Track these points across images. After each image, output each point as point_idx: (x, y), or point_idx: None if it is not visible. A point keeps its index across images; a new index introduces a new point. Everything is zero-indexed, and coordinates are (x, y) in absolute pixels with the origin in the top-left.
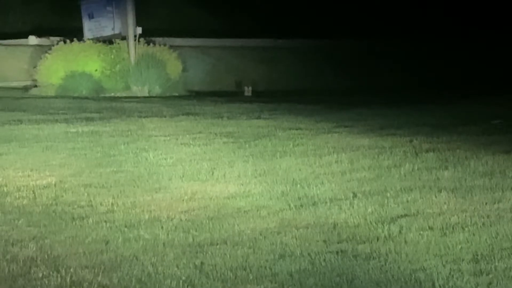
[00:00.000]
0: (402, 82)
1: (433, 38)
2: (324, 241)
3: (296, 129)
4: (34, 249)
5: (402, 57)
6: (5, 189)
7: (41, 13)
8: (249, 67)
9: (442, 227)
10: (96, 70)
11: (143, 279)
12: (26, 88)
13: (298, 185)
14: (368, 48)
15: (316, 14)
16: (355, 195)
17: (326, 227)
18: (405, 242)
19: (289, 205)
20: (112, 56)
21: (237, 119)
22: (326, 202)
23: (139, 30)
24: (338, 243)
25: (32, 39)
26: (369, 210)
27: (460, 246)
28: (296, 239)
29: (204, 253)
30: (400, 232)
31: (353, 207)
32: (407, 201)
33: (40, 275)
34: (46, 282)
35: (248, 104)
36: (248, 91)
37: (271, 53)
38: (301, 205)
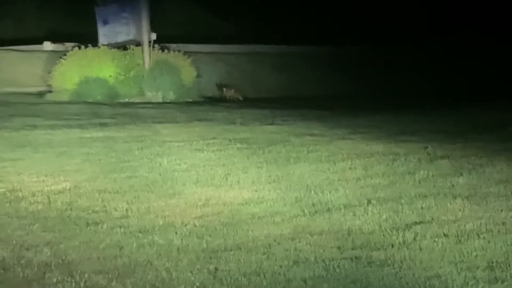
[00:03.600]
0: (415, 88)
1: (444, 44)
2: (338, 248)
3: (310, 135)
4: (49, 254)
5: (414, 63)
6: (20, 194)
7: (56, 19)
8: (262, 73)
9: (457, 234)
10: (110, 75)
11: (157, 284)
12: (40, 94)
13: (312, 191)
14: (381, 54)
15: (330, 20)
16: (369, 202)
17: (340, 233)
18: (420, 249)
19: (303, 211)
20: (127, 62)
21: (250, 125)
22: (340, 209)
23: (154, 36)
24: (352, 249)
25: (47, 45)
26: (384, 216)
27: (475, 254)
28: (310, 245)
29: (218, 258)
30: (414, 239)
31: (367, 213)
32: (422, 208)
33: (54, 280)
34: (60, 287)
35: (262, 110)
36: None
37: (284, 59)
38: (315, 211)
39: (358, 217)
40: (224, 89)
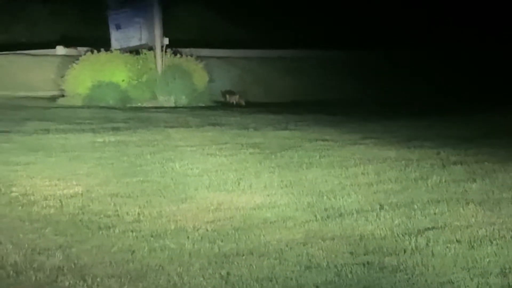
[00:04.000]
0: (427, 94)
1: (456, 50)
2: (351, 253)
3: (322, 140)
4: (61, 258)
5: (426, 68)
6: (32, 198)
7: (69, 23)
8: (274, 78)
9: (470, 240)
10: (123, 80)
11: None
12: (53, 98)
13: (325, 197)
14: (393, 59)
15: (342, 25)
16: (381, 207)
17: (352, 238)
18: (432, 254)
19: (316, 216)
20: (139, 67)
21: (263, 130)
22: (352, 214)
23: (166, 40)
24: (364, 255)
25: (60, 49)
26: (396, 222)
27: (488, 259)
28: (322, 250)
29: (230, 263)
30: (427, 244)
31: (379, 219)
32: (435, 214)
33: (67, 284)
34: None
35: (275, 115)
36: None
37: (297, 63)
38: (328, 217)
39: (370, 223)
40: (227, 95)
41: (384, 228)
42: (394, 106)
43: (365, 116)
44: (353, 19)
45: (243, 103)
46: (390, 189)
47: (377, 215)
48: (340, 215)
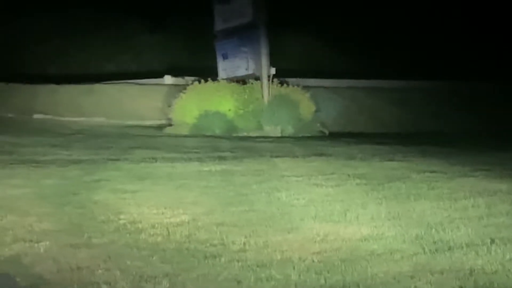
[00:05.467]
0: None
1: None
2: (460, 287)
3: (430, 172)
4: (167, 285)
5: None
6: (139, 225)
7: (175, 53)
8: (380, 108)
9: None
10: (229, 109)
11: None
12: (160, 127)
13: (433, 229)
14: (504, 91)
15: (450, 56)
16: (492, 241)
17: (461, 273)
18: None
19: (424, 249)
20: (246, 96)
21: (369, 160)
22: (462, 247)
23: (273, 70)
24: None
25: (168, 79)
26: (508, 257)
27: None
28: (430, 284)
29: None
30: None
31: (490, 253)
32: None
33: None
34: None
35: (382, 146)
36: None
37: (403, 94)
38: (436, 250)
39: (480, 257)
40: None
41: (495, 263)
42: (505, 138)
43: (474, 147)
44: (461, 49)
45: (326, 133)
46: (501, 223)
47: (487, 249)
48: (449, 248)
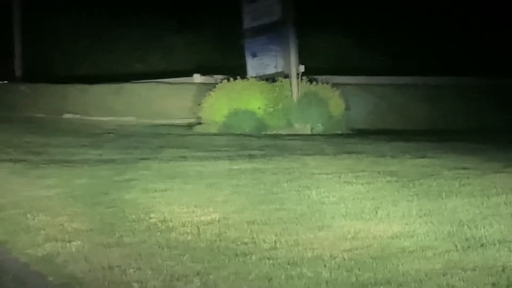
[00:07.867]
0: None
1: None
2: (493, 284)
3: (462, 169)
4: (199, 284)
5: None
6: (170, 224)
7: (204, 51)
8: (411, 105)
9: None
10: (259, 107)
11: None
12: (190, 126)
13: (465, 226)
14: None
15: (481, 52)
16: None
17: (494, 269)
18: None
19: (456, 246)
20: (275, 94)
21: (400, 158)
22: (494, 244)
23: (302, 68)
24: (507, 286)
25: (197, 77)
26: None
27: None
28: (463, 281)
29: None
30: None
31: None
32: None
33: None
34: None
35: (412, 143)
36: None
37: (433, 91)
38: (468, 247)
39: None
40: None
41: None
42: None
43: (506, 144)
44: (494, 45)
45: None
46: None
47: None
48: (482, 245)
